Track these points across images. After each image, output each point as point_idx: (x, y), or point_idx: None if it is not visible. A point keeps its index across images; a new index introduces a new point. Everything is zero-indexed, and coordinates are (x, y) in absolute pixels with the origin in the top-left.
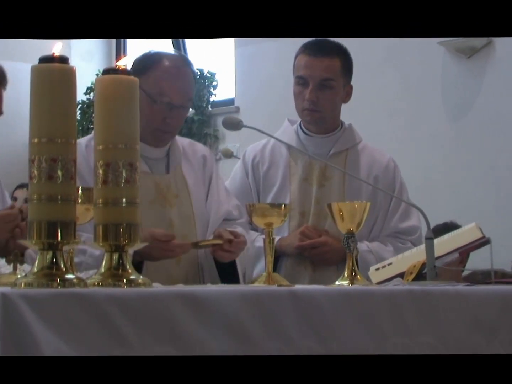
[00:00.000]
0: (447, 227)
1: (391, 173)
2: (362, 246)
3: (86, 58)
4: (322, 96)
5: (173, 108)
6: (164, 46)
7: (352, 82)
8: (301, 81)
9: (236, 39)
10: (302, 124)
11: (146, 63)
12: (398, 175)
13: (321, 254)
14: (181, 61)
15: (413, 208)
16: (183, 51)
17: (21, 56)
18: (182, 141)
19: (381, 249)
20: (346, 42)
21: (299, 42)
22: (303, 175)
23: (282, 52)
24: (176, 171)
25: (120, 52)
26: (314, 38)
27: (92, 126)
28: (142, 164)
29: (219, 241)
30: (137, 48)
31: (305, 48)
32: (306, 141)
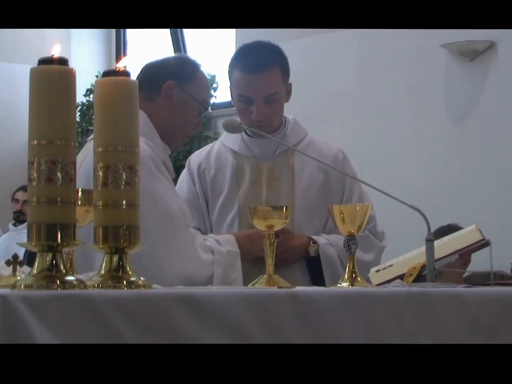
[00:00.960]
0: (451, 229)
1: (340, 164)
2: (321, 239)
3: (86, 59)
4: (269, 110)
5: (203, 115)
6: (165, 50)
7: (355, 85)
8: (244, 99)
9: (236, 41)
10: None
11: (191, 69)
12: (347, 165)
13: (279, 254)
14: None
15: (365, 198)
16: (183, 52)
17: (20, 58)
18: None
19: (340, 240)
20: (348, 47)
21: (299, 46)
22: (251, 178)
23: None
24: None
25: (120, 53)
26: (245, 47)
27: (91, 128)
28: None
29: None
30: (137, 50)
31: (240, 64)
32: (251, 143)
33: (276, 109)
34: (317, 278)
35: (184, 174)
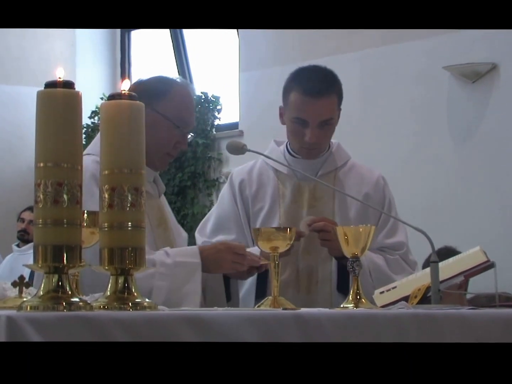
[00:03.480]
0: (442, 254)
1: (381, 190)
2: None
3: (90, 81)
4: (322, 134)
5: (185, 133)
6: (170, 71)
7: (358, 107)
8: (299, 122)
9: (240, 63)
10: (289, 146)
11: (160, 87)
12: (387, 192)
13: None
14: (191, 88)
15: (400, 225)
16: (187, 74)
17: (25, 80)
18: None
19: (372, 254)
20: (351, 69)
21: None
22: (292, 197)
23: (286, 77)
24: (162, 195)
25: (124, 75)
26: (304, 70)
27: None
28: (148, 187)
29: (266, 261)
30: (142, 70)
31: (300, 86)
32: (294, 163)
33: (328, 134)
34: (343, 283)
35: (225, 188)
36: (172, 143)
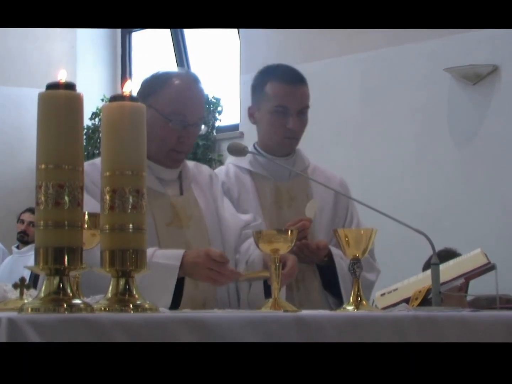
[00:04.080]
0: (442, 256)
1: (346, 190)
2: (336, 251)
3: (91, 82)
4: (300, 124)
5: (187, 126)
6: (170, 67)
7: (359, 109)
8: (281, 110)
9: (241, 65)
10: (258, 148)
11: (155, 83)
12: (349, 192)
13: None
14: (191, 78)
15: (362, 224)
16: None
17: (26, 81)
18: (189, 163)
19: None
20: (352, 71)
21: (303, 71)
22: (272, 198)
23: None
24: (189, 192)
25: (125, 77)
26: (274, 65)
27: (97, 151)
28: (159, 186)
29: (266, 274)
30: (142, 71)
31: (278, 76)
32: (267, 163)
33: (304, 124)
34: (329, 285)
35: None
36: (173, 138)
